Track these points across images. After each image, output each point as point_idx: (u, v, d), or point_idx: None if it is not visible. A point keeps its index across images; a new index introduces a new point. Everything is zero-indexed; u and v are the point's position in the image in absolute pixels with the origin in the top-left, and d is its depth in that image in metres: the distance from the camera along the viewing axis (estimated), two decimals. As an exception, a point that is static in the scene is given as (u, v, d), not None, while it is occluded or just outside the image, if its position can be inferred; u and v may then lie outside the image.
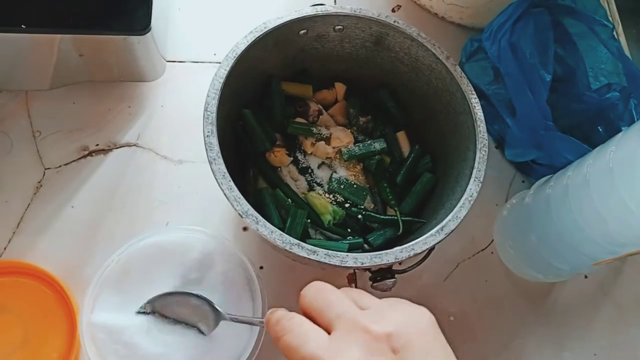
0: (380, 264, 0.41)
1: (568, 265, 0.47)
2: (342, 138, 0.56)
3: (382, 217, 0.54)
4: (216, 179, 0.42)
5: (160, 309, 0.45)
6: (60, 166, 0.57)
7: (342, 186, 0.54)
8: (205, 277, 0.47)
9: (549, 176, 0.45)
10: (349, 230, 0.54)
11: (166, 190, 0.57)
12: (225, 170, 0.42)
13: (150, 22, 0.49)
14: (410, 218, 0.53)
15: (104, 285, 0.46)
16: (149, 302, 0.45)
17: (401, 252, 0.42)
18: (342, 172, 0.55)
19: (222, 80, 0.45)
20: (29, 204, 0.55)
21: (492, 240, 0.61)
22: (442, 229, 0.43)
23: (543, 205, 0.48)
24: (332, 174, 0.55)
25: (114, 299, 0.45)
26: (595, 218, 0.40)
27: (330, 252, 0.41)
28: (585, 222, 0.41)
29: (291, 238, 0.41)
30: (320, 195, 0.54)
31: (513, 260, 0.56)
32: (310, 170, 0.55)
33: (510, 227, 0.55)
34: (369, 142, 0.56)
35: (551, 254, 0.46)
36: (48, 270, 0.51)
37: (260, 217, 0.41)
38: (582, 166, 0.42)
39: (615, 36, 0.67)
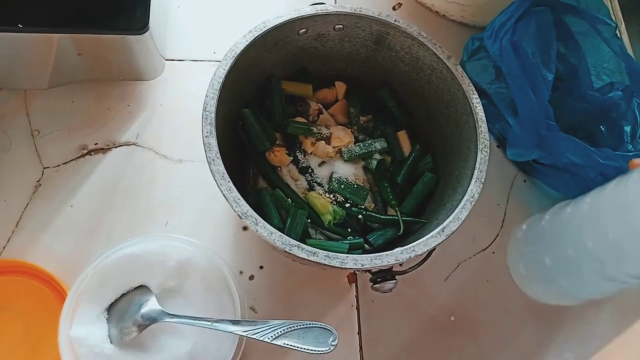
0: (380, 266, 0.41)
1: (579, 292, 0.44)
2: (343, 137, 0.55)
3: (382, 217, 0.53)
4: (215, 180, 0.42)
5: (119, 315, 0.45)
6: (59, 165, 0.57)
7: (342, 186, 0.54)
8: (184, 284, 0.47)
9: (568, 201, 0.44)
10: (349, 230, 0.53)
11: (166, 190, 0.57)
12: (224, 171, 0.42)
13: (148, 21, 0.48)
14: (411, 218, 0.53)
15: (82, 299, 0.45)
16: (107, 309, 0.46)
17: (402, 253, 0.42)
18: (342, 172, 0.55)
19: (220, 81, 0.45)
20: (27, 203, 0.55)
21: (494, 240, 0.60)
22: (442, 230, 0.43)
23: (559, 230, 0.46)
24: (332, 174, 0.55)
25: (92, 311, 0.45)
26: (610, 248, 0.38)
27: (330, 253, 0.40)
28: (602, 251, 0.39)
29: (291, 239, 0.40)
30: (321, 194, 0.53)
31: (525, 280, 0.54)
32: (310, 170, 0.55)
33: (525, 248, 0.53)
34: (369, 141, 0.56)
35: (564, 278, 0.44)
36: (47, 270, 0.51)
37: (259, 218, 0.41)
38: (601, 194, 0.40)
39: (618, 35, 0.67)
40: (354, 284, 0.56)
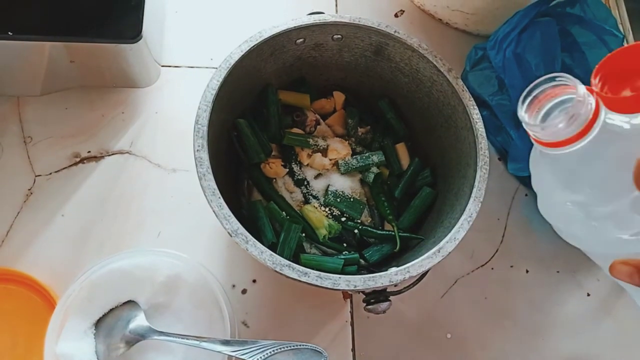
0: (374, 287, 0.40)
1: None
2: (340, 150, 0.54)
3: (379, 232, 0.52)
4: (205, 196, 0.40)
5: (107, 331, 0.44)
6: (51, 173, 0.56)
7: (338, 199, 0.53)
8: (174, 300, 0.46)
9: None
10: (345, 244, 0.52)
11: (159, 200, 0.56)
12: (215, 187, 0.41)
13: (141, 30, 0.47)
14: (408, 234, 0.51)
15: (69, 313, 0.45)
16: (94, 324, 0.45)
17: (396, 274, 0.40)
18: (338, 185, 0.54)
19: (214, 93, 0.44)
20: (18, 212, 0.54)
21: (492, 256, 0.59)
22: (439, 251, 0.42)
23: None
24: (328, 187, 0.54)
25: (80, 327, 0.44)
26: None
27: (322, 274, 0.39)
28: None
29: (282, 259, 0.39)
30: (316, 208, 0.52)
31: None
32: (306, 182, 0.54)
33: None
34: (366, 154, 0.55)
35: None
36: (37, 279, 0.50)
37: (250, 237, 0.40)
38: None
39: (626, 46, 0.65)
40: (348, 300, 0.55)
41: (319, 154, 0.54)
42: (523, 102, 0.32)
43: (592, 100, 0.27)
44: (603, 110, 0.27)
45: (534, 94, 0.31)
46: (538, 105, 0.29)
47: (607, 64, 0.27)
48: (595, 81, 0.27)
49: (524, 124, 0.32)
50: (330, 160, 0.54)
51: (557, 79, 0.29)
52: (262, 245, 0.39)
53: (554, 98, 0.28)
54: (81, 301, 0.45)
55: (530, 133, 0.31)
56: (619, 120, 0.27)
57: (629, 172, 0.25)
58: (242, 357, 0.41)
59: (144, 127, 0.59)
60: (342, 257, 0.50)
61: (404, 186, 0.54)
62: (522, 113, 0.31)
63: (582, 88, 0.28)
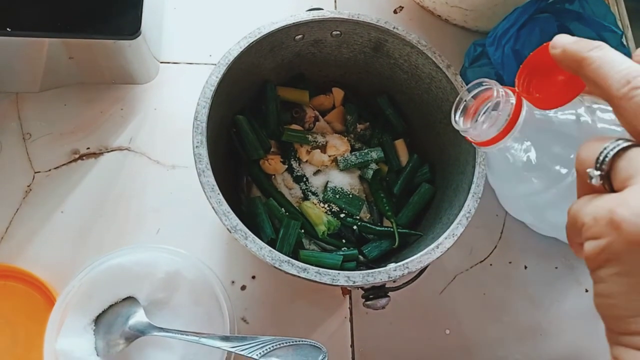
0: (373, 283, 0.40)
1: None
2: (339, 146, 0.54)
3: (378, 228, 0.52)
4: (205, 192, 0.41)
5: (106, 327, 0.45)
6: (50, 170, 0.56)
7: (337, 196, 0.53)
8: (173, 296, 0.46)
9: None
10: (343, 240, 0.52)
11: (158, 196, 0.56)
12: (215, 183, 0.41)
13: (140, 26, 0.47)
14: (406, 230, 0.51)
15: (68, 310, 0.45)
16: (94, 321, 0.45)
17: (395, 270, 0.40)
18: (337, 181, 0.54)
19: (213, 89, 0.44)
20: (18, 208, 0.54)
21: (491, 252, 0.59)
22: (437, 247, 0.42)
23: None
24: (327, 183, 0.54)
25: (79, 323, 0.44)
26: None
27: (321, 270, 0.39)
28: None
29: (281, 255, 0.39)
30: (315, 204, 0.52)
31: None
32: (305, 179, 0.54)
33: None
34: (365, 150, 0.55)
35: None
36: (37, 275, 0.50)
37: (249, 233, 0.40)
38: None
39: (625, 42, 0.65)
40: (347, 296, 0.55)
41: (318, 151, 0.54)
42: (456, 109, 0.33)
43: (512, 100, 0.29)
44: (525, 107, 0.28)
45: (464, 100, 0.33)
46: (475, 110, 0.30)
47: (529, 64, 0.28)
48: (519, 82, 0.29)
49: (457, 129, 0.34)
50: (329, 156, 0.54)
51: (483, 83, 0.31)
52: (261, 241, 0.40)
53: (488, 101, 0.30)
54: (81, 297, 0.45)
55: (464, 135, 0.33)
56: (549, 113, 0.28)
57: (564, 157, 0.27)
58: (242, 353, 0.41)
59: (143, 124, 0.59)
60: (341, 253, 0.50)
61: (403, 182, 0.54)
62: (457, 119, 0.33)
63: (500, 90, 0.30)
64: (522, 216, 0.32)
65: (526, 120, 0.29)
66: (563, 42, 0.25)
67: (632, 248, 0.19)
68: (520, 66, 0.28)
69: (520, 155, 0.30)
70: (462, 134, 0.33)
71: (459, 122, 0.33)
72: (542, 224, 0.29)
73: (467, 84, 0.48)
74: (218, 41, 0.63)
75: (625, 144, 0.21)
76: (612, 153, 0.21)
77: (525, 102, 0.29)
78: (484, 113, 0.30)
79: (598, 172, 0.21)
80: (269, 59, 0.51)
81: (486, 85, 0.31)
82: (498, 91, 0.30)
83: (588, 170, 0.21)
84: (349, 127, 0.57)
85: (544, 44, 0.26)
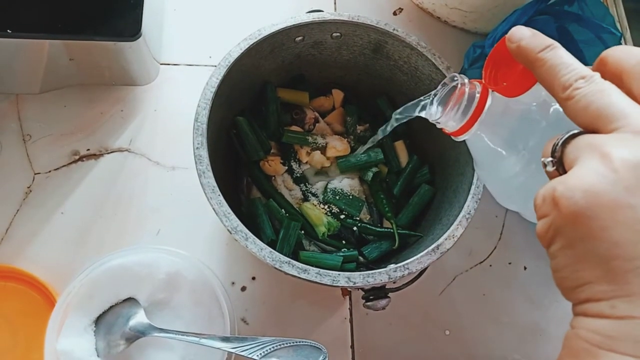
0: (373, 283, 0.40)
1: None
2: (339, 147, 0.54)
3: (377, 229, 0.52)
4: (205, 194, 0.41)
5: (107, 328, 0.45)
6: (50, 171, 0.56)
7: (337, 197, 0.53)
8: (173, 297, 0.46)
9: None
10: (343, 242, 0.53)
11: (158, 197, 0.56)
12: (215, 184, 0.41)
13: (140, 27, 0.47)
14: (406, 232, 0.52)
15: (69, 310, 0.45)
16: (94, 321, 0.45)
17: (395, 271, 0.41)
18: (337, 182, 0.54)
19: (213, 90, 0.44)
20: (18, 209, 0.54)
21: (491, 253, 0.59)
22: (437, 247, 0.42)
23: None
24: (327, 184, 0.54)
25: (80, 323, 0.45)
26: None
27: (321, 270, 0.40)
28: None
29: (281, 256, 0.39)
30: (315, 205, 0.52)
31: None
32: (305, 180, 0.54)
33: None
34: (365, 152, 0.55)
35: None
36: (37, 276, 0.50)
37: (249, 234, 0.40)
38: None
39: (624, 44, 0.65)
40: (347, 297, 0.55)
41: (318, 152, 0.54)
42: (431, 103, 0.36)
43: (478, 90, 0.31)
44: (490, 96, 0.31)
45: (437, 94, 0.35)
46: (457, 102, 0.32)
47: (494, 54, 0.29)
48: (485, 73, 0.31)
49: (431, 121, 0.36)
50: (328, 158, 0.54)
51: (454, 78, 0.33)
52: (261, 242, 0.40)
53: (463, 95, 0.32)
54: (81, 298, 0.45)
55: (439, 125, 0.35)
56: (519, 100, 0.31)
57: (533, 140, 0.28)
58: (242, 353, 0.41)
59: (143, 125, 0.59)
60: (341, 254, 0.50)
61: (403, 184, 0.54)
62: (434, 109, 0.35)
63: (466, 82, 0.32)
64: (509, 203, 0.33)
65: (495, 108, 0.31)
66: (519, 36, 0.26)
67: (568, 221, 0.21)
68: (487, 58, 0.30)
69: (495, 142, 0.31)
70: (437, 125, 0.35)
71: (433, 114, 0.35)
72: (526, 210, 0.30)
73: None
74: (218, 43, 0.63)
75: (575, 132, 0.22)
76: (562, 140, 0.22)
77: (492, 92, 0.31)
78: (453, 104, 0.32)
79: (550, 159, 0.23)
80: (269, 61, 0.51)
81: (457, 79, 0.33)
82: (464, 83, 0.32)
83: (542, 159, 0.23)
84: (348, 129, 0.57)
85: (504, 36, 0.28)
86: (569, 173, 0.21)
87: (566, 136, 0.22)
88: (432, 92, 0.36)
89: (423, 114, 0.36)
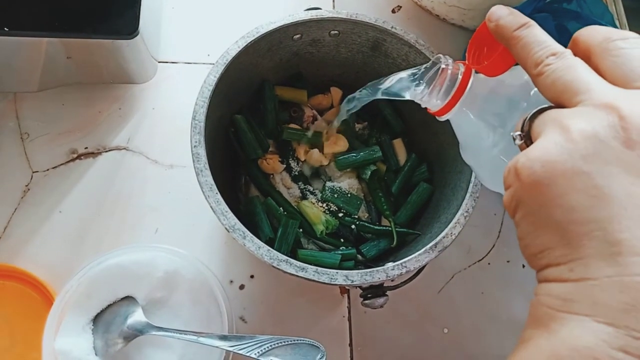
0: (371, 282, 0.40)
1: None
2: (338, 142, 0.54)
3: (376, 227, 0.52)
4: (203, 192, 0.41)
5: (105, 327, 0.45)
6: (48, 169, 0.56)
7: (335, 195, 0.53)
8: (172, 296, 0.46)
9: None
10: (342, 240, 0.53)
11: (156, 196, 0.56)
12: (213, 183, 0.41)
13: (138, 25, 0.47)
14: (404, 230, 0.52)
15: (67, 309, 0.45)
16: (92, 320, 0.45)
17: (393, 269, 0.41)
18: (336, 181, 0.54)
19: (211, 88, 0.44)
20: (16, 208, 0.54)
21: (489, 251, 0.59)
22: (435, 245, 0.42)
23: None
24: (325, 183, 0.54)
25: (78, 322, 0.44)
26: None
27: (319, 269, 0.39)
28: None
29: (279, 254, 0.39)
30: (314, 203, 0.52)
31: None
32: (303, 178, 0.54)
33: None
34: (364, 150, 0.55)
35: None
36: (35, 275, 0.50)
37: (247, 232, 0.40)
38: None
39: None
40: (345, 295, 0.55)
41: (316, 150, 0.54)
42: (417, 84, 0.36)
43: (461, 70, 0.32)
44: (473, 76, 0.32)
45: (423, 74, 0.35)
46: (441, 82, 0.33)
47: (477, 36, 0.30)
48: (468, 54, 0.32)
49: (415, 100, 0.36)
50: (325, 155, 0.54)
51: (439, 59, 0.34)
52: (259, 241, 0.40)
53: (447, 75, 0.33)
54: (79, 297, 0.45)
55: (423, 105, 0.36)
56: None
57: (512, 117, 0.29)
58: (240, 352, 0.41)
59: (141, 123, 0.59)
60: (340, 252, 0.50)
61: (401, 182, 0.54)
62: (420, 89, 0.35)
63: (450, 63, 0.33)
64: (495, 186, 0.34)
65: (478, 89, 0.32)
66: (497, 15, 0.27)
67: (529, 190, 0.21)
68: (470, 39, 0.31)
69: (478, 123, 0.32)
70: (421, 105, 0.35)
71: (418, 94, 0.35)
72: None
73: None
74: (216, 41, 0.63)
75: (543, 107, 0.23)
76: (530, 115, 0.23)
77: (476, 74, 0.32)
78: (436, 84, 0.33)
79: (518, 133, 0.24)
80: (267, 59, 0.51)
81: (441, 60, 0.33)
82: (448, 64, 0.33)
83: (512, 133, 0.24)
84: (347, 127, 0.57)
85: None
86: (533, 144, 0.22)
87: (534, 111, 0.23)
88: (414, 70, 0.36)
89: (408, 95, 0.37)
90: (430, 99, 0.33)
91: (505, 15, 0.27)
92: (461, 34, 0.69)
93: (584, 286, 0.20)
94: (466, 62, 0.32)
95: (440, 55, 0.34)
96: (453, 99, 0.32)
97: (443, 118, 0.34)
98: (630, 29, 0.72)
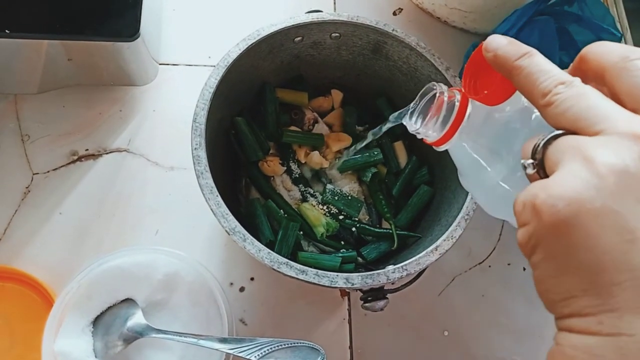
0: (371, 284, 0.40)
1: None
2: (341, 138, 0.54)
3: (376, 230, 0.52)
4: (203, 194, 0.40)
5: (105, 329, 0.45)
6: (48, 171, 0.56)
7: (336, 197, 0.53)
8: (171, 298, 0.46)
9: None
10: (342, 242, 0.52)
11: (157, 198, 0.56)
12: (213, 185, 0.41)
13: (139, 28, 0.47)
14: (405, 232, 0.51)
15: (67, 311, 0.45)
16: (92, 322, 0.45)
17: (393, 272, 0.40)
18: (336, 183, 0.54)
19: (211, 91, 0.44)
20: (16, 210, 0.54)
21: (490, 253, 0.59)
22: (436, 248, 0.42)
23: None
24: (326, 185, 0.54)
25: (78, 324, 0.44)
26: None
27: (319, 272, 0.39)
28: None
29: (279, 257, 0.39)
30: (314, 206, 0.52)
31: None
32: (304, 180, 0.54)
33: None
34: (365, 152, 0.55)
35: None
36: (35, 276, 0.50)
37: (247, 235, 0.40)
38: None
39: (624, 45, 0.65)
40: (346, 297, 0.55)
41: (317, 152, 0.54)
42: (411, 114, 0.35)
43: (457, 98, 0.30)
44: (470, 105, 0.30)
45: (417, 104, 0.34)
46: (437, 112, 0.31)
47: (472, 63, 0.29)
48: (464, 82, 0.30)
49: (411, 131, 0.35)
50: (330, 153, 0.54)
51: (433, 87, 0.32)
52: (259, 243, 0.40)
53: (442, 104, 0.31)
54: (79, 299, 0.45)
55: (419, 136, 0.34)
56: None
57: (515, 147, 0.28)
58: (240, 354, 0.41)
59: (141, 125, 0.59)
60: (340, 255, 0.50)
61: (402, 184, 0.54)
62: (414, 119, 0.34)
63: (445, 92, 0.31)
64: (496, 213, 0.33)
65: (475, 117, 0.30)
66: (495, 45, 0.25)
67: (551, 231, 0.19)
68: (465, 66, 0.29)
69: (477, 150, 0.31)
70: (417, 136, 0.34)
71: (413, 124, 0.34)
72: (513, 219, 0.30)
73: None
74: (217, 43, 0.63)
75: (557, 133, 0.21)
76: (543, 142, 0.21)
77: (471, 101, 0.30)
78: (432, 114, 0.31)
79: (530, 161, 0.22)
80: (268, 61, 0.51)
81: (435, 88, 0.32)
82: (442, 92, 0.31)
83: (522, 160, 0.22)
84: (348, 129, 0.57)
85: (481, 43, 0.27)
86: (550, 178, 0.20)
87: (548, 136, 0.21)
88: (414, 101, 0.35)
89: (405, 123, 0.36)
90: (426, 130, 0.32)
91: (504, 45, 0.25)
92: (462, 37, 0.69)
93: (616, 342, 0.18)
94: (461, 89, 0.31)
95: (434, 82, 0.33)
96: (451, 129, 0.30)
97: (441, 148, 0.32)
98: (632, 32, 0.72)
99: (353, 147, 0.51)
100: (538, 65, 0.23)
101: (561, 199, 0.19)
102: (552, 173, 0.20)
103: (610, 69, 0.22)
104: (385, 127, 0.44)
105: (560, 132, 0.21)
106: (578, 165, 0.19)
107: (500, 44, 0.25)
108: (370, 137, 0.46)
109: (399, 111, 0.39)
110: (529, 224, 0.20)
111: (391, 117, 0.41)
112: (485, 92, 0.28)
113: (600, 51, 0.23)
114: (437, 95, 0.31)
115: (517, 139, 0.27)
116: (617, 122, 0.19)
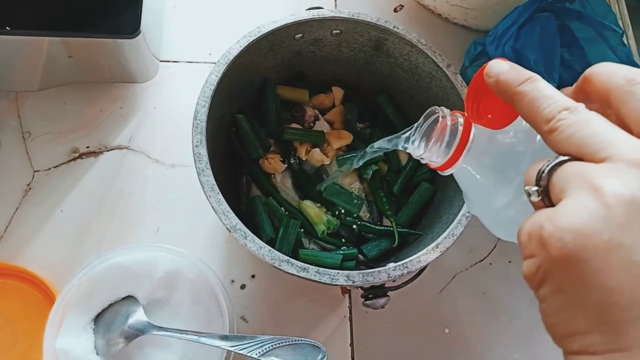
0: (372, 282, 0.40)
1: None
2: (342, 136, 0.54)
3: (377, 227, 0.52)
4: (204, 192, 0.40)
5: (106, 326, 0.45)
6: (49, 169, 0.56)
7: (337, 195, 0.53)
8: (173, 296, 0.46)
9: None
10: (343, 240, 0.52)
11: (158, 195, 0.56)
12: (214, 183, 0.41)
13: (139, 24, 0.47)
14: (406, 230, 0.51)
15: (68, 309, 0.45)
16: (93, 320, 0.45)
17: (394, 270, 0.40)
18: (337, 180, 0.54)
19: (212, 88, 0.44)
20: (17, 207, 0.54)
21: (491, 251, 0.59)
22: (437, 246, 0.42)
23: None
24: (326, 182, 0.53)
25: (79, 322, 0.44)
26: None
27: (320, 269, 0.39)
28: None
29: (280, 254, 0.39)
30: (315, 203, 0.52)
31: None
32: (305, 178, 0.54)
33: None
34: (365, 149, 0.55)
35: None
36: (37, 274, 0.50)
37: (248, 232, 0.40)
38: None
39: (625, 41, 0.65)
40: (347, 295, 0.55)
41: (318, 150, 0.54)
42: (413, 139, 0.34)
43: (460, 122, 0.30)
44: (473, 129, 0.30)
45: (419, 128, 0.34)
46: (440, 136, 0.31)
47: (475, 85, 0.28)
48: (467, 105, 0.30)
49: (414, 156, 0.34)
50: (330, 153, 0.54)
51: (435, 111, 0.32)
52: (260, 241, 0.40)
53: (445, 128, 0.31)
54: (80, 296, 0.45)
55: (424, 161, 0.34)
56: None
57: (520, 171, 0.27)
58: (241, 352, 0.41)
59: (142, 123, 0.59)
60: (341, 252, 0.50)
61: (403, 181, 0.54)
62: (416, 144, 0.33)
63: (447, 116, 0.31)
64: (502, 235, 0.32)
65: (479, 140, 0.30)
66: (496, 71, 0.25)
67: (559, 264, 0.19)
68: (467, 89, 0.29)
69: (482, 174, 0.30)
70: (422, 161, 0.34)
71: (416, 149, 0.33)
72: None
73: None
74: (218, 40, 0.63)
75: (562, 159, 0.21)
76: (548, 168, 0.21)
77: (474, 124, 0.30)
78: (436, 139, 0.31)
79: (535, 188, 0.21)
80: (269, 58, 0.51)
81: (437, 113, 0.32)
82: (445, 116, 0.31)
83: (526, 187, 0.22)
84: (349, 126, 0.57)
85: (483, 65, 0.26)
86: (557, 208, 0.19)
87: (553, 163, 0.21)
88: (413, 126, 0.35)
89: (407, 149, 0.35)
90: (430, 155, 0.32)
91: (505, 71, 0.24)
92: (463, 34, 0.69)
93: None
94: (464, 112, 0.30)
95: (436, 107, 0.32)
96: (455, 153, 0.30)
97: (446, 173, 0.32)
98: (633, 29, 0.72)
99: (355, 160, 0.51)
100: (541, 90, 0.23)
101: (568, 231, 0.18)
102: (558, 201, 0.20)
103: (615, 92, 0.22)
104: (362, 159, 0.43)
105: (565, 157, 0.21)
106: (585, 195, 0.18)
107: (501, 69, 0.25)
108: (353, 165, 0.45)
109: (391, 136, 0.38)
110: (535, 256, 0.20)
111: (383, 143, 0.40)
112: (489, 116, 0.28)
113: (605, 72, 0.22)
114: (440, 119, 0.31)
115: (522, 162, 0.27)
116: (623, 149, 0.19)
